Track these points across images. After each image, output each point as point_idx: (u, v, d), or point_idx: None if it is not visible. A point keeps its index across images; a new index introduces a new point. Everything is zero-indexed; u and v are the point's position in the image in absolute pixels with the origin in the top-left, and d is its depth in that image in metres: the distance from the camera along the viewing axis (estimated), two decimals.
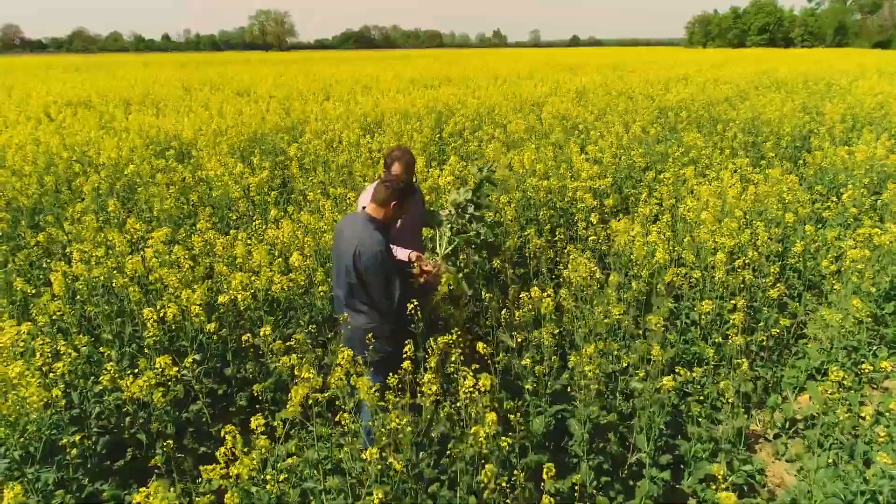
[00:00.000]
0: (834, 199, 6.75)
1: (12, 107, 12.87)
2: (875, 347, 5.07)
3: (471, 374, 2.93)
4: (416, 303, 3.31)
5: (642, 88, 15.59)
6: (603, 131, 9.11)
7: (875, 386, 4.81)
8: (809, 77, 18.91)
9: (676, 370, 3.65)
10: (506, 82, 18.01)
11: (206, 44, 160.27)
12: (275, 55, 63.22)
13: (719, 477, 2.65)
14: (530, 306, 3.77)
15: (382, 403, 2.86)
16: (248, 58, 47.84)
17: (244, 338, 3.57)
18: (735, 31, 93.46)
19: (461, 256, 4.46)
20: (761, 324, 4.71)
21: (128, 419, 3.45)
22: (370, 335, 3.19)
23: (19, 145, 7.84)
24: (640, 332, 3.99)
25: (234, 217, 5.75)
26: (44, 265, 4.59)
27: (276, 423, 2.87)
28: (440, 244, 3.99)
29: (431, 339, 3.14)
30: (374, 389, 2.84)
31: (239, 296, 3.78)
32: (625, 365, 3.70)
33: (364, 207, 3.35)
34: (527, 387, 3.31)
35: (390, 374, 2.95)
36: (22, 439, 3.02)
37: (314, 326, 4.15)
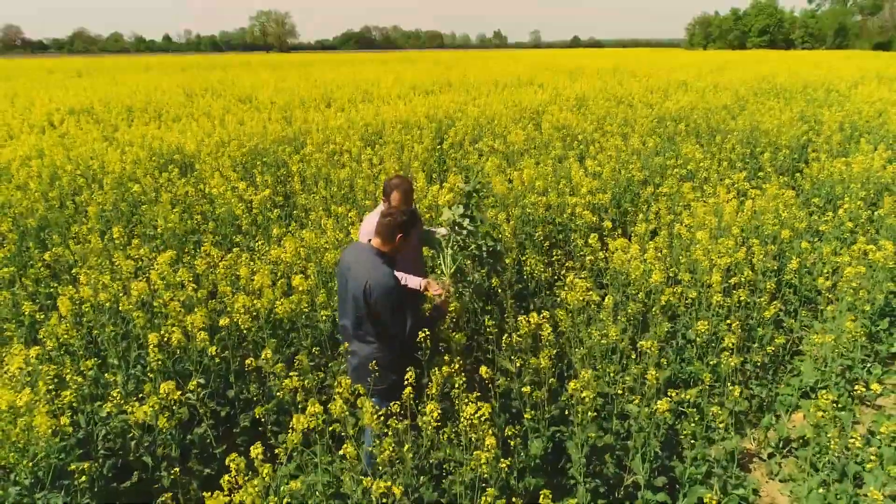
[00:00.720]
0: (830, 213, 6.82)
1: (16, 114, 12.95)
2: (869, 364, 5.14)
3: (472, 399, 3.01)
4: (426, 332, 3.39)
5: (642, 95, 15.65)
6: (602, 143, 9.19)
7: (868, 403, 4.87)
8: (809, 83, 18.97)
9: (670, 393, 3.73)
10: (506, 88, 18.08)
11: (207, 44, 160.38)
12: (275, 56, 63.35)
13: None
14: (528, 329, 3.83)
15: (386, 430, 2.95)
16: (248, 60, 47.89)
17: (247, 361, 3.65)
18: (735, 33, 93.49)
19: (470, 274, 4.54)
20: (755, 344, 4.77)
21: (133, 443, 3.52)
22: (374, 363, 3.27)
23: (24, 158, 7.93)
24: (636, 355, 4.04)
25: (238, 239, 5.82)
26: (50, 285, 4.67)
27: (279, 451, 2.95)
28: (445, 264, 4.05)
29: (436, 368, 3.21)
30: (378, 414, 2.93)
31: (241, 319, 3.84)
32: (620, 391, 3.76)
33: (370, 240, 3.41)
34: (526, 416, 3.38)
35: (395, 401, 3.05)
36: (30, 464, 3.10)
37: (318, 348, 4.22)
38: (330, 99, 16.28)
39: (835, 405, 3.96)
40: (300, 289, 4.16)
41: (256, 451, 2.76)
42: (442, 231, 4.19)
